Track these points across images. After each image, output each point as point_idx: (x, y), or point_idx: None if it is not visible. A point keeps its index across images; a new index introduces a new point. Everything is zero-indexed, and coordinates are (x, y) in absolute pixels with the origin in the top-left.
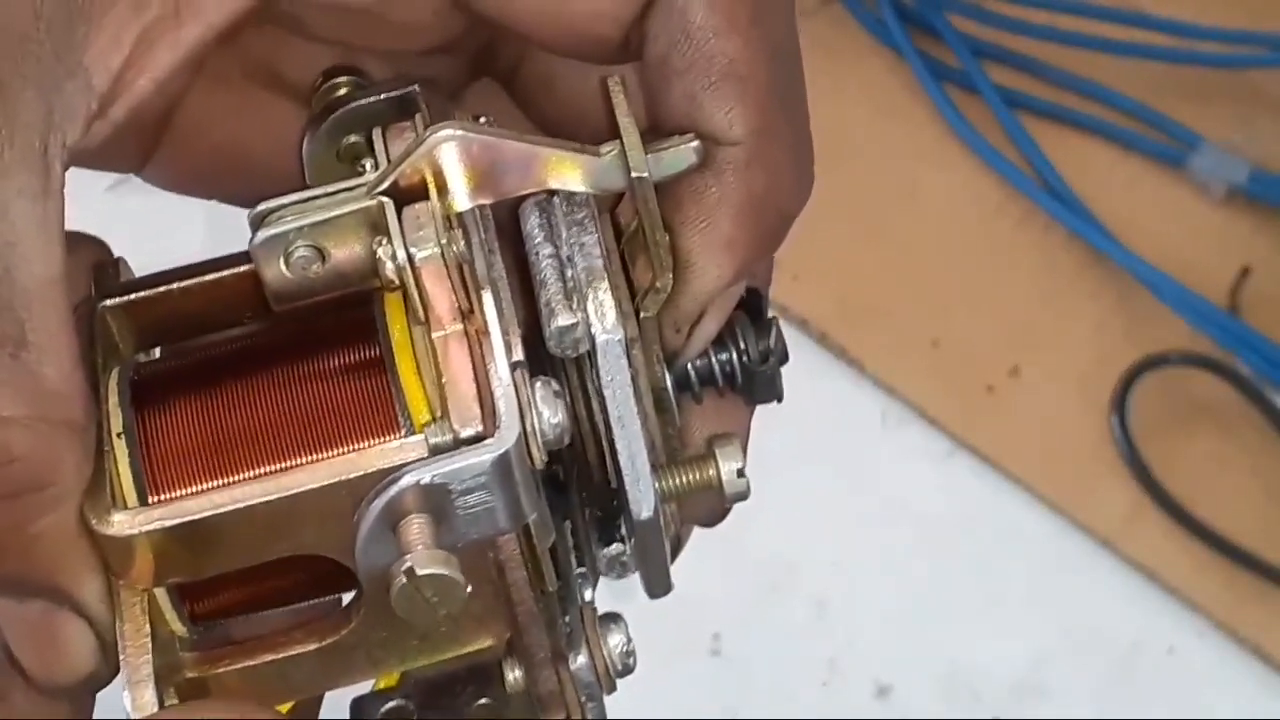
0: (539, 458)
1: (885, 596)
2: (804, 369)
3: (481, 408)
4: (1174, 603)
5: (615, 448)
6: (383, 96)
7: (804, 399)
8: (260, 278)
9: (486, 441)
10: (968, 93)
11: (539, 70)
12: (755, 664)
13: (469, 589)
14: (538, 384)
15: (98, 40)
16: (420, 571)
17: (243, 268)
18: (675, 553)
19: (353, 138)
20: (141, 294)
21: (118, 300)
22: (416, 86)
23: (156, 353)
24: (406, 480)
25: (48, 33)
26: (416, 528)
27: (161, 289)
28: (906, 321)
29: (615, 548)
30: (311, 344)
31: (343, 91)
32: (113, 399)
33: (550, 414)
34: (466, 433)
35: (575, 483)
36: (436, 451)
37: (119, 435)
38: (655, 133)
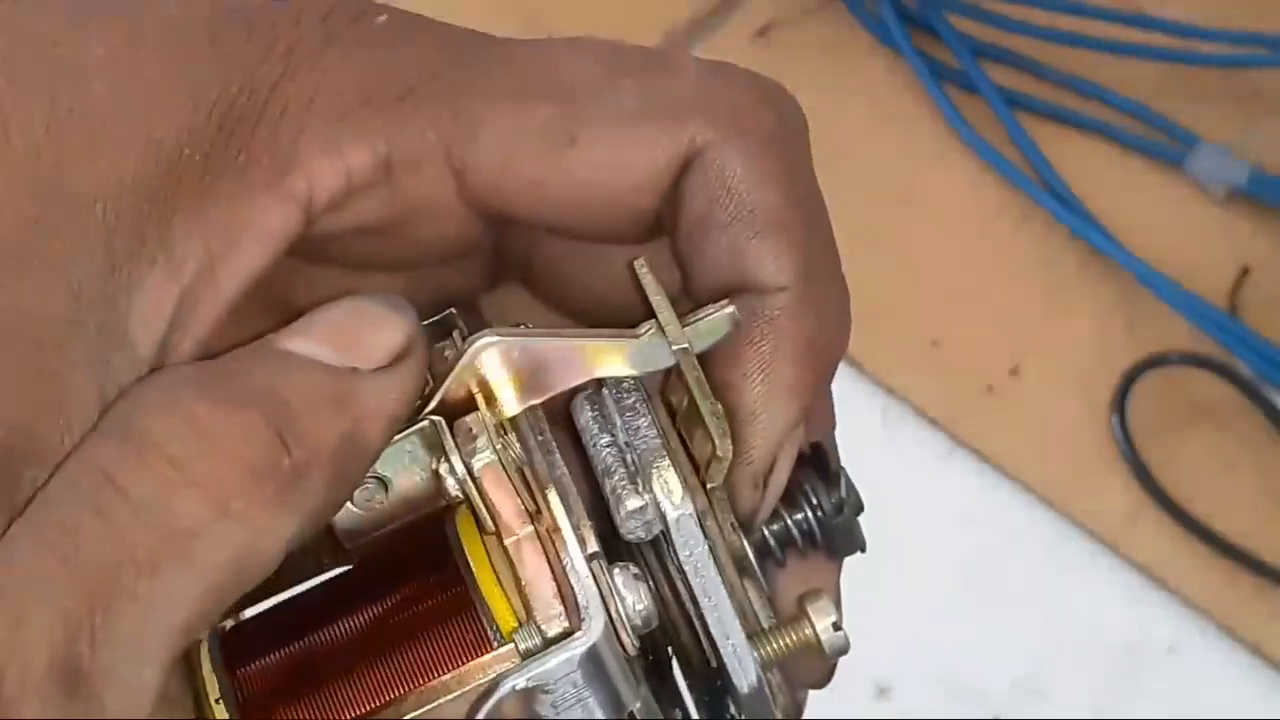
0: (630, 644)
1: (885, 596)
2: None
3: (564, 603)
4: (1174, 603)
5: (706, 623)
6: (421, 324)
7: None
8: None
9: (574, 636)
10: (968, 93)
11: (548, 259)
12: None
13: None
14: (616, 571)
15: (139, 309)
16: None
17: None
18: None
19: None
20: None
21: None
22: (452, 310)
23: (242, 616)
24: (503, 689)
25: (89, 311)
26: None
27: None
28: (906, 321)
29: None
30: (392, 577)
31: None
32: (206, 666)
33: (634, 599)
34: (553, 631)
35: (677, 668)
36: (527, 655)
37: (217, 701)
38: (691, 300)
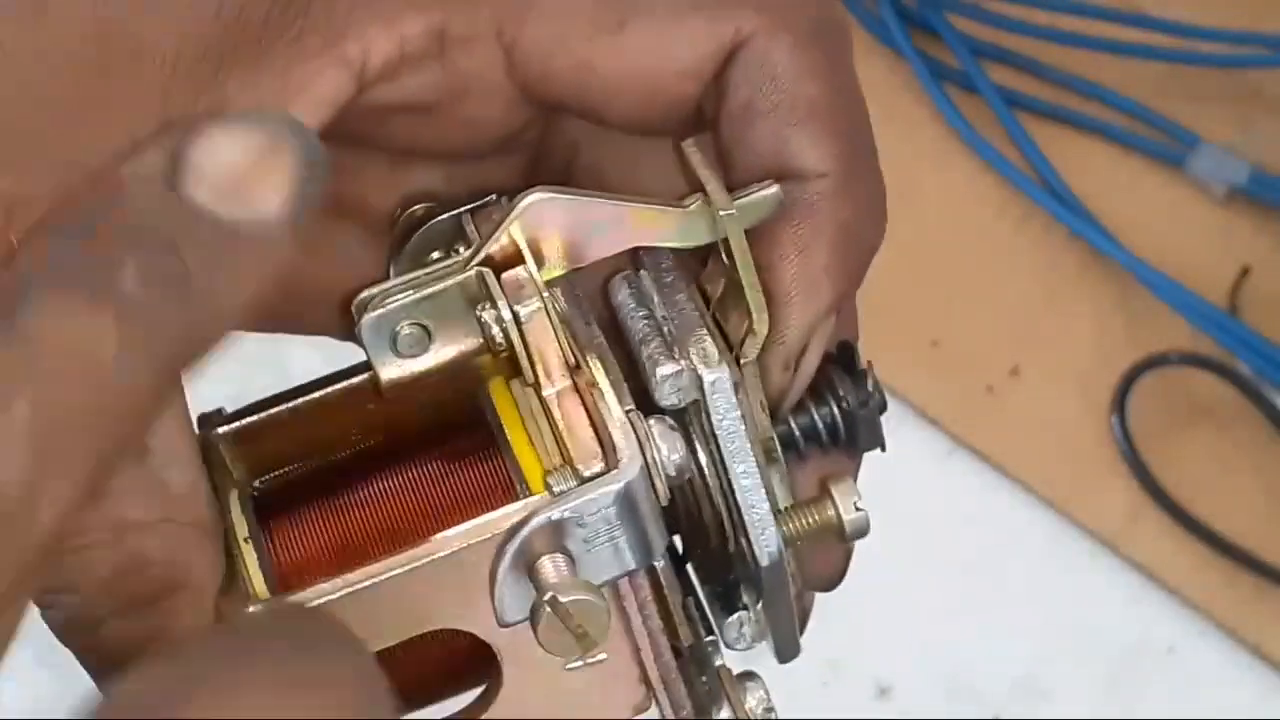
0: (663, 492)
1: (885, 596)
2: None
3: (602, 447)
4: (1174, 603)
5: (733, 491)
6: (462, 210)
7: None
8: (370, 366)
9: (611, 473)
10: (968, 93)
11: (589, 162)
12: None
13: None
14: (653, 421)
15: None
16: (563, 598)
17: (344, 384)
18: (803, 625)
19: (437, 254)
20: (250, 420)
21: (227, 428)
22: (494, 196)
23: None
24: (537, 521)
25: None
26: (552, 564)
27: (269, 413)
28: (906, 321)
29: (739, 616)
30: (424, 439)
31: (420, 213)
32: (235, 510)
33: (669, 447)
34: (589, 472)
35: (694, 554)
36: (563, 496)
37: (245, 540)
38: (733, 187)
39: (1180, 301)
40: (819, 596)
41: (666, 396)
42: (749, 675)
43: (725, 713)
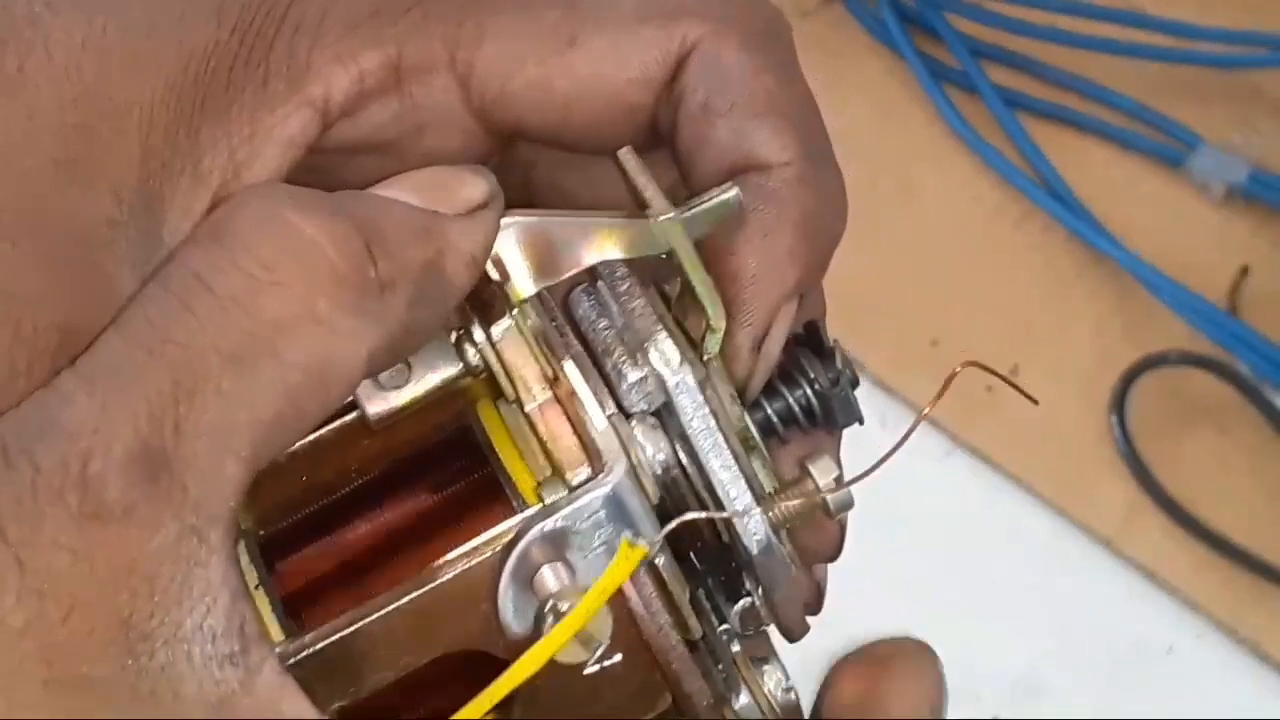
0: (651, 490)
1: (885, 596)
2: None
3: (587, 454)
4: (1174, 603)
5: (713, 486)
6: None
7: None
8: (357, 404)
9: (598, 478)
10: (968, 93)
11: (547, 177)
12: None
13: (618, 649)
14: (634, 422)
15: (171, 218)
16: (564, 605)
17: (335, 423)
18: (819, 600)
19: None
20: None
21: None
22: None
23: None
24: (531, 534)
25: (130, 213)
26: (552, 573)
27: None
28: (906, 321)
29: (745, 602)
30: (419, 467)
31: None
32: (244, 559)
33: (652, 447)
34: (577, 479)
35: (695, 549)
36: (554, 506)
37: (256, 587)
38: (698, 190)
39: (1180, 301)
40: (826, 599)
41: (635, 404)
42: (765, 658)
43: (745, 698)
